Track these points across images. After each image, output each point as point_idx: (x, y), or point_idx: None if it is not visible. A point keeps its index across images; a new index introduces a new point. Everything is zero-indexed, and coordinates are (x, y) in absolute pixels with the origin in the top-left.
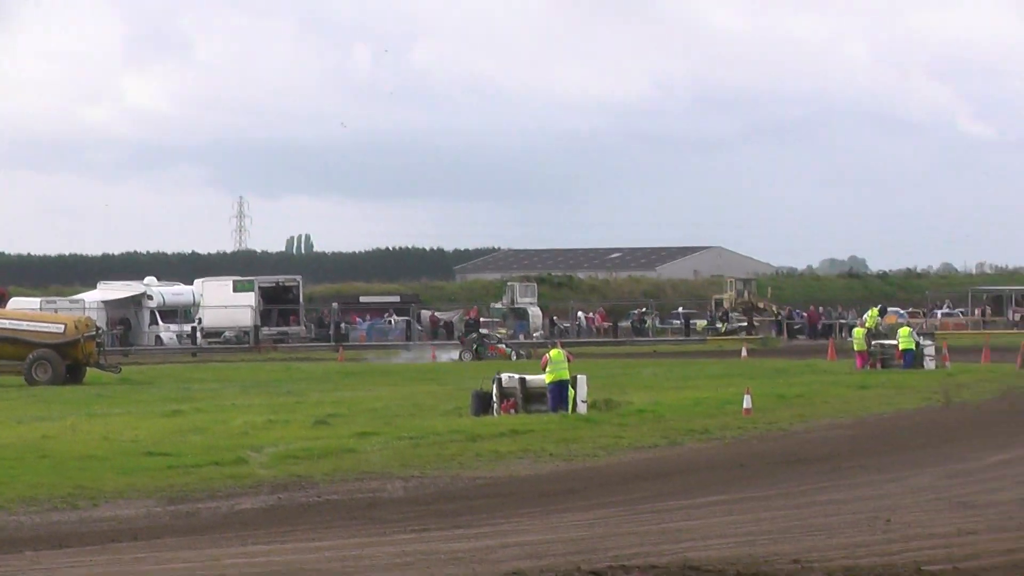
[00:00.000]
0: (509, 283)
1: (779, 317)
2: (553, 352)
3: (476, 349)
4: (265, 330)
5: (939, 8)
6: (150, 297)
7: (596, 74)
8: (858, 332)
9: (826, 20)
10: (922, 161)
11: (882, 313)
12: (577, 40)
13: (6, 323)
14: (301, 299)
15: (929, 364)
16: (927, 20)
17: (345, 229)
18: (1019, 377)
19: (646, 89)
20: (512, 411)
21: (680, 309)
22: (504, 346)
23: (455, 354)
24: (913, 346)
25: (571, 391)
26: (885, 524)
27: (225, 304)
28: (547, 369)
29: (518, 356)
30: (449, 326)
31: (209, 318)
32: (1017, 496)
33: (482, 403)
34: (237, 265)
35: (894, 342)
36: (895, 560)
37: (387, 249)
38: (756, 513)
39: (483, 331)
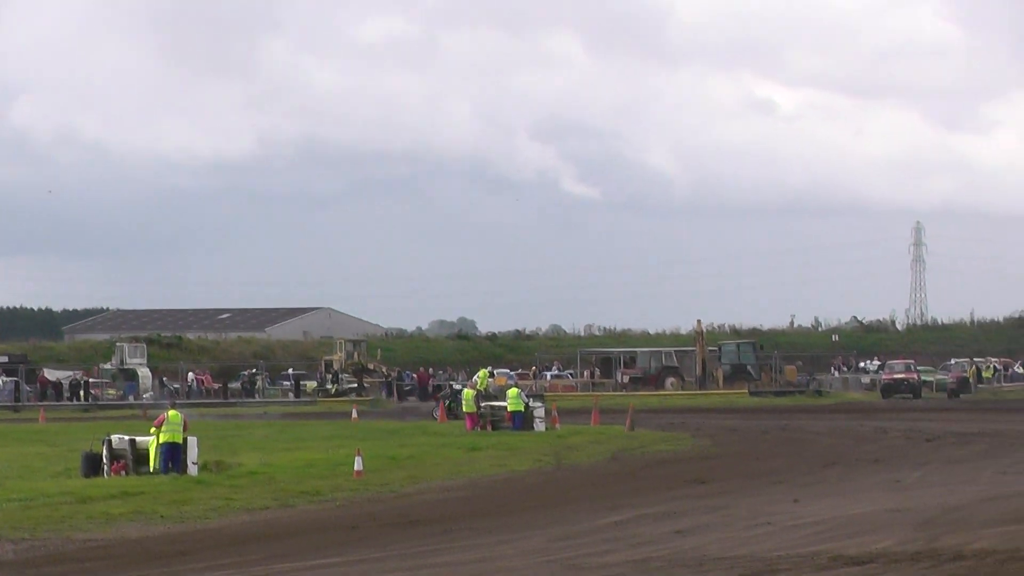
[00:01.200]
0: (118, 343)
1: (389, 378)
2: (171, 412)
3: (449, 405)
4: None
5: (540, 69)
6: None
7: (202, 132)
8: (468, 394)
9: (428, 79)
10: (528, 222)
11: (491, 375)
12: (181, 98)
13: None
14: None
15: (539, 426)
16: (529, 81)
17: None
18: (628, 439)
19: (252, 147)
20: (123, 472)
21: (290, 370)
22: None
23: (65, 414)
24: (522, 407)
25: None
26: None
27: None
28: (162, 429)
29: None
30: (59, 387)
31: None
32: (628, 559)
33: (92, 464)
34: None
35: (504, 403)
36: None
37: None
38: None
39: (457, 386)
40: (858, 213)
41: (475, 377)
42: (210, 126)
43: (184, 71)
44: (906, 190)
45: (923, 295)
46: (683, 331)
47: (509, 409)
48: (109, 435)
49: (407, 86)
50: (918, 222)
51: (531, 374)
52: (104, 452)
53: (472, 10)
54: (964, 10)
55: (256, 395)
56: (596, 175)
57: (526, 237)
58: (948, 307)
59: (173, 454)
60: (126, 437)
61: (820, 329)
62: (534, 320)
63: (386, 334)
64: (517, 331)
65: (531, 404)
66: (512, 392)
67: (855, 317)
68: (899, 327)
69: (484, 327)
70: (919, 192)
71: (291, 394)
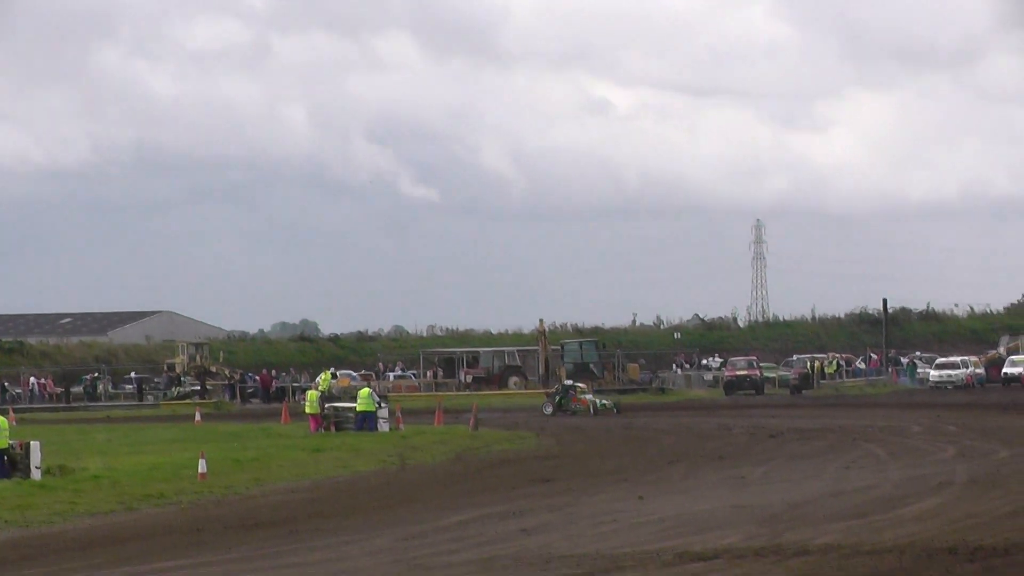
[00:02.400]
0: None
1: (232, 381)
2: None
3: (559, 401)
4: None
5: (374, 72)
6: None
7: (35, 139)
8: (311, 395)
9: (262, 84)
10: (368, 224)
11: (334, 376)
12: (13, 106)
13: None
14: None
15: (383, 427)
16: (364, 84)
17: None
18: (472, 439)
19: (86, 154)
20: None
21: (133, 374)
22: (589, 397)
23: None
24: (373, 408)
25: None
26: None
27: None
28: None
29: (601, 408)
30: None
31: None
32: (473, 557)
33: None
34: None
35: (348, 405)
36: None
37: None
38: None
39: (568, 383)
40: (697, 212)
41: (318, 379)
42: (43, 133)
43: (15, 78)
44: (744, 189)
45: (764, 292)
46: (525, 331)
47: (359, 409)
48: None
49: (242, 91)
50: (758, 220)
51: (374, 375)
52: None
53: (305, 13)
54: (797, 10)
55: (99, 399)
56: (434, 177)
57: (366, 240)
58: (789, 304)
59: (10, 459)
60: None
61: (662, 327)
62: (376, 321)
63: (228, 337)
64: (359, 332)
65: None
66: (363, 392)
67: (697, 315)
68: (741, 324)
69: (326, 329)
70: (758, 191)
71: (134, 398)
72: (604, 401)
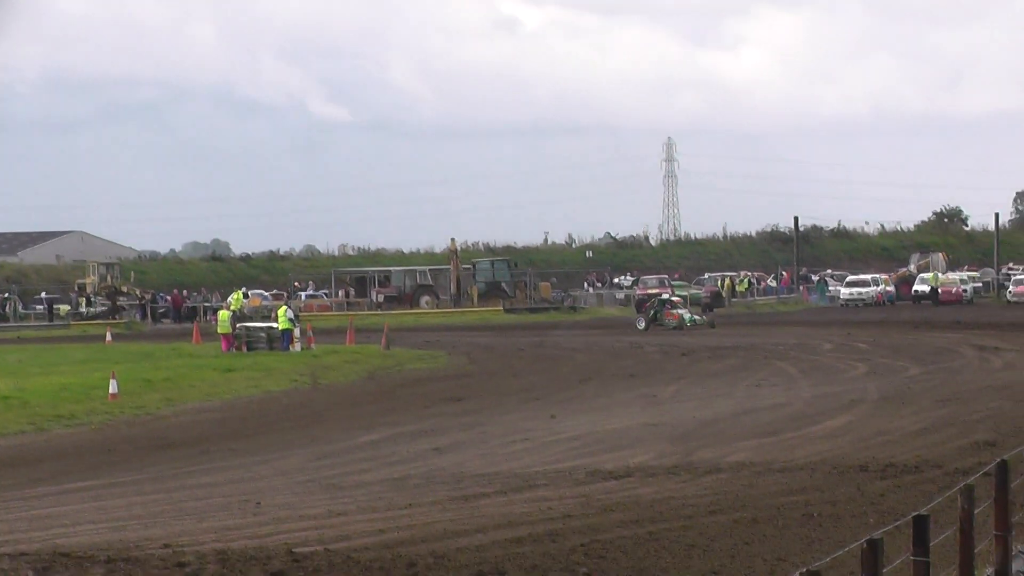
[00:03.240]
0: None
1: (144, 301)
2: None
3: (654, 315)
4: None
5: None
6: None
7: None
8: (223, 315)
9: (170, 2)
10: (278, 143)
11: (246, 296)
12: None
13: None
14: None
15: (295, 346)
16: (272, 2)
17: None
18: (384, 358)
19: None
20: None
21: (43, 294)
22: (681, 312)
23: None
24: (291, 326)
25: None
26: (256, 507)
27: None
28: None
29: (690, 323)
30: None
31: None
32: (385, 477)
33: None
34: None
35: (259, 324)
36: (267, 543)
37: None
38: (127, 498)
39: (664, 296)
40: (609, 130)
41: (229, 299)
42: None
43: None
44: (656, 107)
45: (676, 211)
46: (437, 250)
47: (280, 328)
48: None
49: (150, 9)
50: (669, 138)
51: (285, 294)
52: None
53: None
54: None
55: (9, 320)
56: (344, 96)
57: (277, 159)
58: (701, 222)
59: None
60: None
61: (574, 246)
62: (288, 241)
63: (139, 257)
64: (271, 252)
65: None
66: (282, 310)
67: (609, 233)
68: (653, 243)
69: (238, 248)
70: (669, 109)
71: (44, 319)
72: (696, 316)
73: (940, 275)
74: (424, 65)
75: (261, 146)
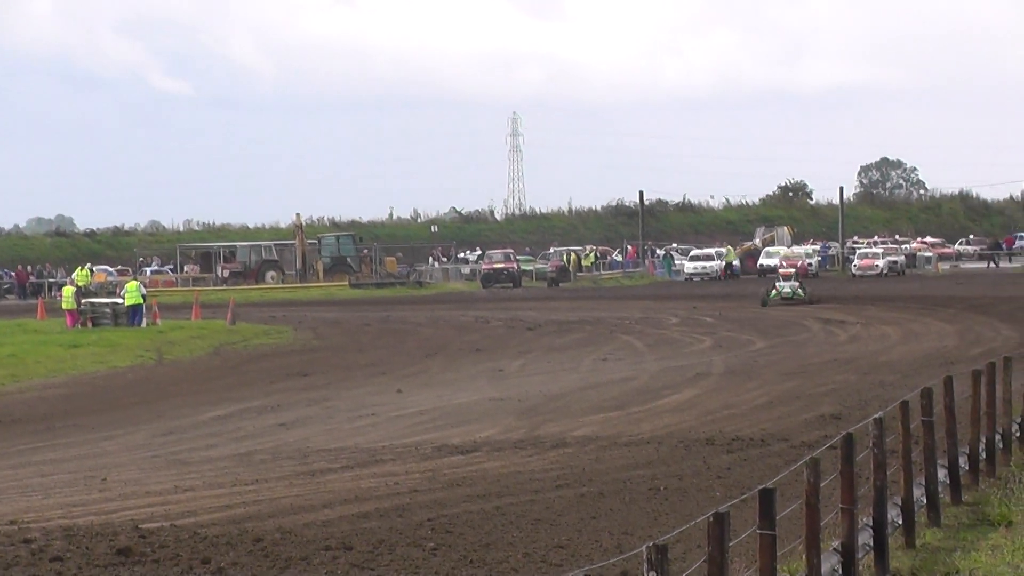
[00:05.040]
0: None
1: None
2: None
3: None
4: None
5: None
6: None
7: None
8: (67, 291)
9: None
10: (120, 118)
11: (91, 272)
12: None
13: None
14: None
15: (141, 322)
16: None
17: None
18: (230, 333)
19: None
20: None
21: None
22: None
23: None
24: (141, 301)
25: None
26: (102, 483)
27: None
28: None
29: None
30: None
31: None
32: (232, 452)
33: None
34: None
35: (105, 300)
36: (113, 519)
37: None
38: None
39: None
40: (453, 105)
41: (74, 274)
42: None
43: None
44: (500, 81)
45: (521, 185)
46: (282, 225)
47: (128, 303)
48: None
49: None
50: (515, 113)
51: (131, 270)
52: None
53: None
54: None
55: None
56: (185, 70)
57: (120, 133)
58: (546, 197)
59: None
60: None
61: (419, 220)
62: (133, 216)
63: None
64: (116, 227)
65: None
66: (131, 285)
67: (454, 208)
68: (498, 217)
69: (82, 224)
70: (512, 83)
71: None
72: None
73: (785, 249)
74: (264, 39)
75: (103, 120)
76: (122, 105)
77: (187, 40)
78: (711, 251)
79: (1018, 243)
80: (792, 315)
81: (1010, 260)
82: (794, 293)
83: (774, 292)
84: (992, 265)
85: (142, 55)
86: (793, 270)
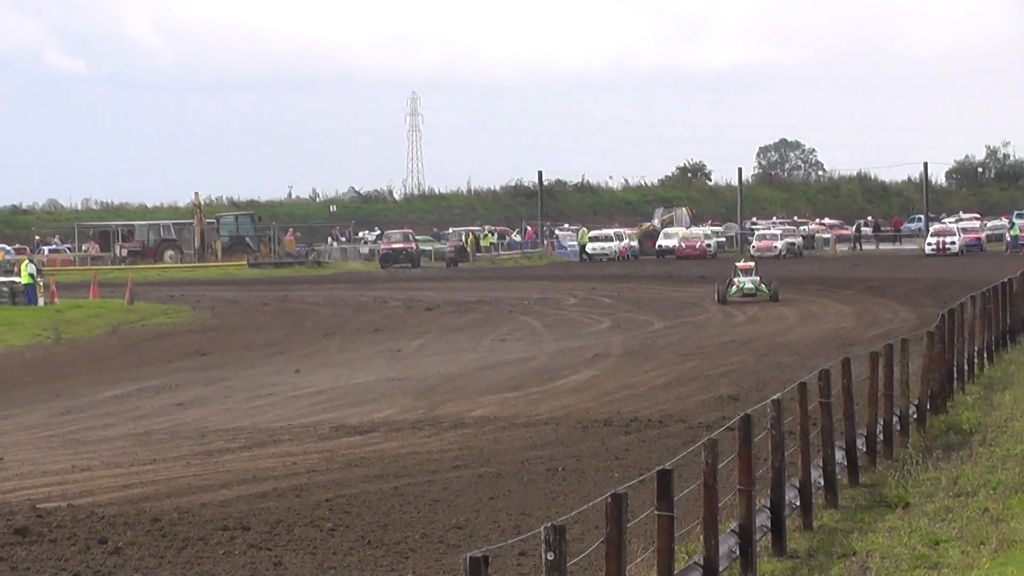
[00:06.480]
0: None
1: None
2: None
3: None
4: None
5: None
6: None
7: None
8: None
9: None
10: (16, 95)
11: None
12: None
13: None
14: None
15: (39, 302)
16: None
17: None
18: (128, 312)
19: None
20: None
21: None
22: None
23: None
24: (29, 281)
25: None
26: None
27: None
28: None
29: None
30: None
31: None
32: (129, 432)
33: None
34: None
35: (1, 279)
36: (10, 498)
37: None
38: None
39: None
40: (352, 84)
41: None
42: None
43: None
44: (398, 61)
45: (420, 165)
46: (181, 204)
47: (23, 282)
48: None
49: None
50: (413, 92)
51: (28, 249)
52: None
53: None
54: None
55: None
56: (80, 48)
57: (13, 110)
58: (445, 177)
59: None
60: None
61: (318, 200)
62: (30, 195)
63: None
64: (13, 206)
65: (36, 278)
66: (23, 264)
67: (353, 187)
68: (397, 197)
69: None
70: (411, 62)
71: None
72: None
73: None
74: (160, 17)
75: None
76: (17, 82)
77: (81, 17)
78: (610, 232)
79: (915, 225)
80: (690, 296)
81: (900, 242)
82: (756, 289)
83: (734, 288)
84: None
85: (35, 32)
86: (752, 263)
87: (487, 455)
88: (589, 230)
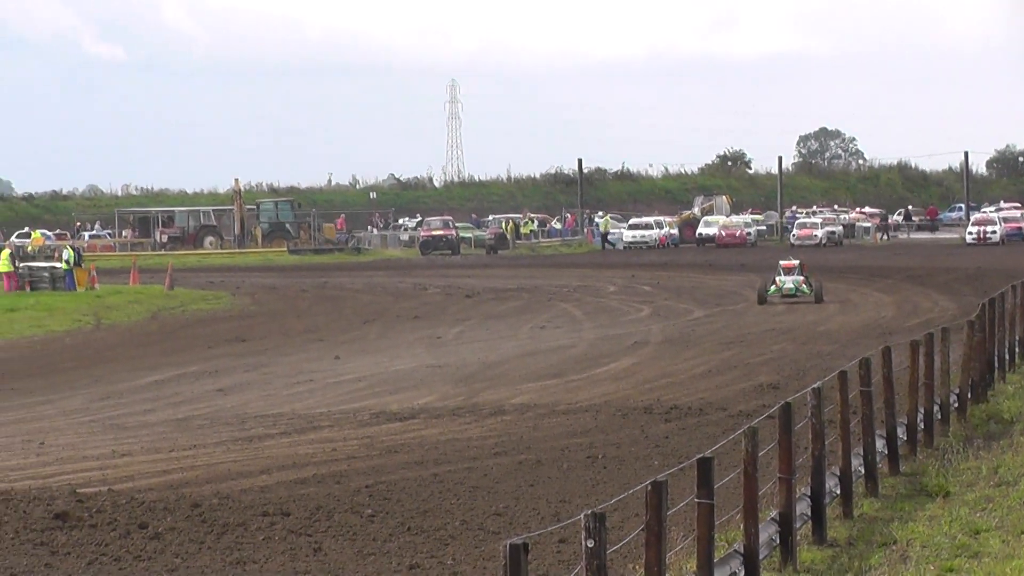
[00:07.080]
0: None
1: None
2: None
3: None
4: None
5: None
6: None
7: None
8: (4, 254)
9: None
10: (55, 82)
11: (48, 236)
12: None
13: None
14: None
15: (72, 286)
16: None
17: None
18: (167, 298)
19: None
20: None
21: None
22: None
23: None
24: (67, 267)
25: None
26: (40, 447)
27: None
28: None
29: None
30: None
31: None
32: (169, 417)
33: None
34: None
35: (43, 264)
36: (51, 483)
37: None
38: None
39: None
40: (392, 71)
41: (12, 238)
42: None
43: None
44: (438, 47)
45: (460, 152)
46: (221, 190)
47: (63, 268)
48: None
49: None
50: (453, 80)
51: (69, 234)
52: None
53: None
54: None
55: None
56: (118, 35)
57: (55, 97)
58: (485, 164)
59: None
60: None
61: (358, 187)
62: (71, 180)
63: None
64: (54, 191)
65: (72, 262)
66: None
67: (392, 174)
68: (437, 184)
69: (20, 188)
70: (451, 50)
71: None
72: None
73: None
74: (196, 3)
75: (37, 85)
76: (56, 70)
77: (118, 4)
78: (649, 220)
79: (955, 214)
80: (730, 285)
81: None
82: (797, 289)
83: (773, 288)
84: (884, 237)
85: (73, 19)
86: (797, 262)
87: (527, 442)
88: (622, 219)
